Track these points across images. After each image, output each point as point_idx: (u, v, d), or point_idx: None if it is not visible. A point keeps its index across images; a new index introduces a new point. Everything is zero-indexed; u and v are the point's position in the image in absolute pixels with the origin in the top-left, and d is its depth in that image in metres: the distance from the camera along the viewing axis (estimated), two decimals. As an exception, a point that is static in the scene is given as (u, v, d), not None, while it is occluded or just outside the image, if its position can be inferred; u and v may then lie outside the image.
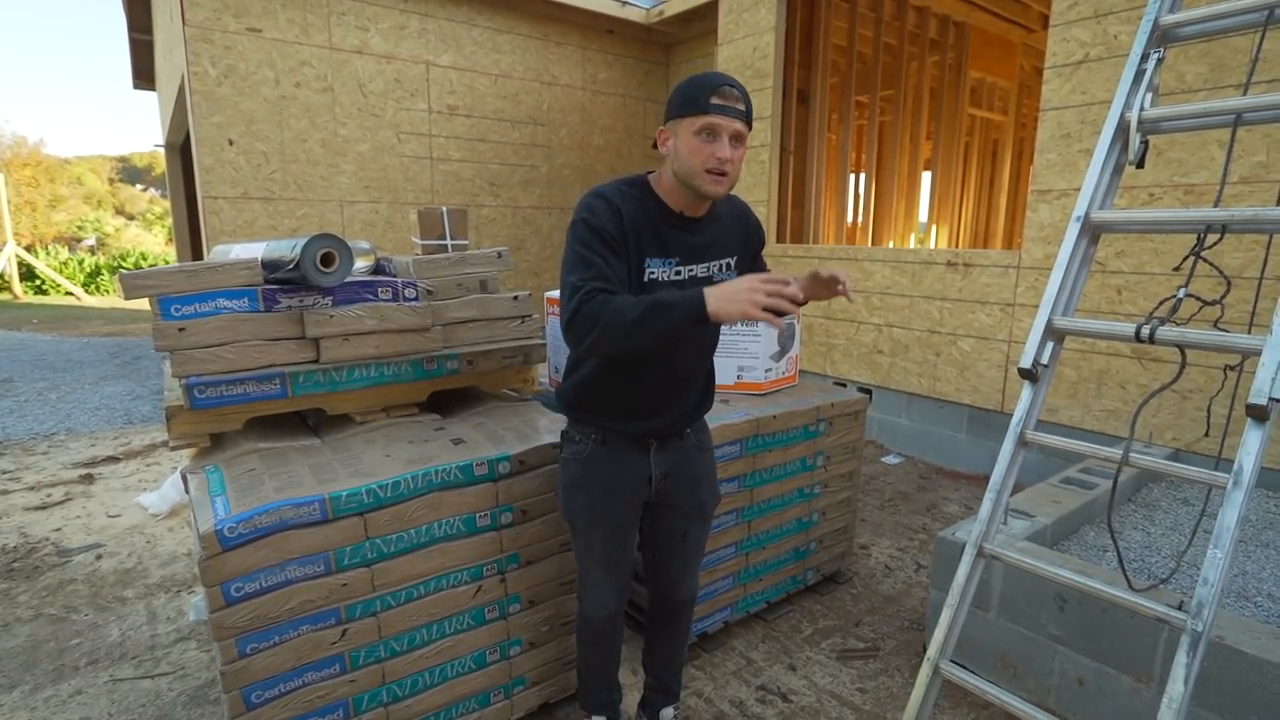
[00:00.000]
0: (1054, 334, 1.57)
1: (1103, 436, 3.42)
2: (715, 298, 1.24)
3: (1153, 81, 1.62)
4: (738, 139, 1.38)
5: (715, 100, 1.33)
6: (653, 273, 1.46)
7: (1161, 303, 1.54)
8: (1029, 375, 1.56)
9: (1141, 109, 1.59)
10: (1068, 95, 3.42)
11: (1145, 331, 1.39)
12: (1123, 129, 1.63)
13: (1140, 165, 1.62)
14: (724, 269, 1.57)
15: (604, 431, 1.56)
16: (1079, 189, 3.37)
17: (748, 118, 1.39)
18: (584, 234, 1.38)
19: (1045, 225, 3.58)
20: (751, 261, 1.65)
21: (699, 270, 1.52)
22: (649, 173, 1.50)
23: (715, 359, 2.59)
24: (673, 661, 1.82)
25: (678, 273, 1.48)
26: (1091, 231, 1.61)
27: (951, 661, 1.51)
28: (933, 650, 1.50)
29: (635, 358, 1.48)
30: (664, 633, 1.79)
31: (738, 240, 1.59)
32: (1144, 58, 1.64)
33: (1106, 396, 3.42)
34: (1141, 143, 1.60)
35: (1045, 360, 1.57)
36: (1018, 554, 1.52)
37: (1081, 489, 2.56)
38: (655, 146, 1.46)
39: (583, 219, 1.39)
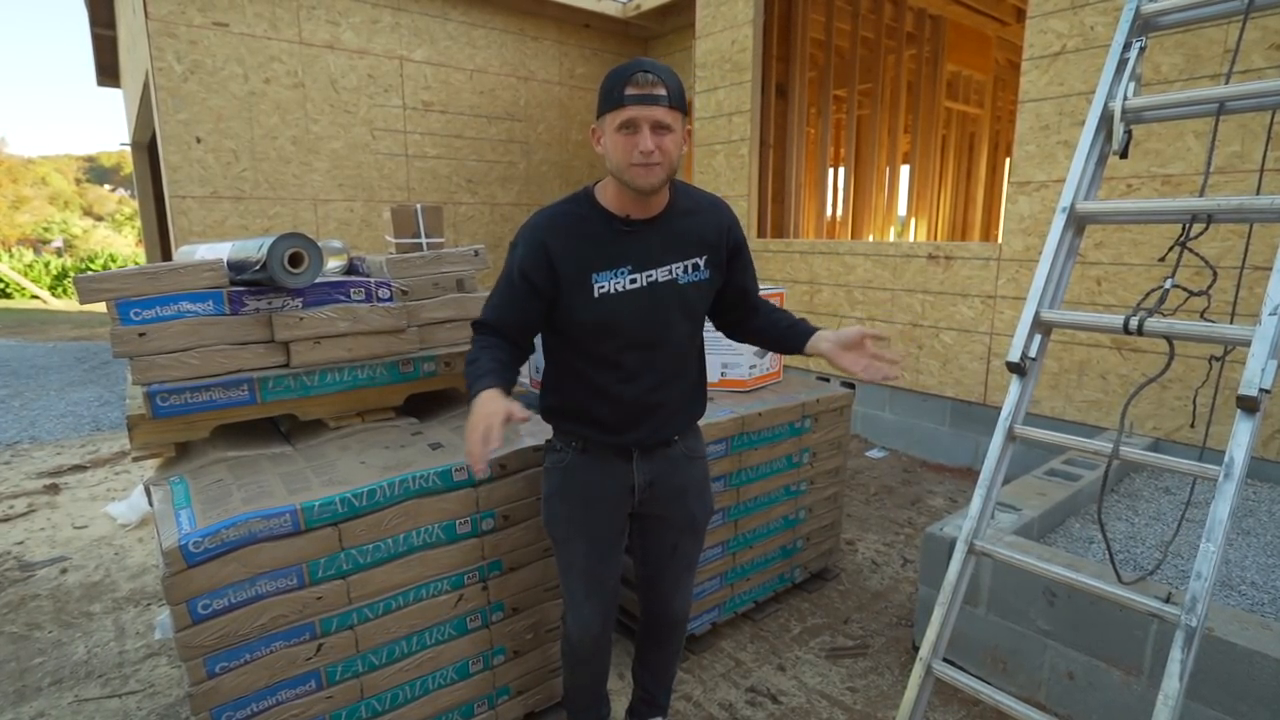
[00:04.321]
0: (1041, 326, 1.55)
1: (1084, 427, 3.44)
2: (473, 408, 1.31)
3: (1135, 71, 1.60)
4: (660, 128, 1.27)
5: (630, 91, 1.25)
6: (602, 286, 1.39)
7: (1148, 294, 1.52)
8: (1017, 369, 1.54)
9: (1125, 98, 1.57)
10: (1045, 87, 3.43)
11: (1134, 323, 1.38)
12: (1106, 119, 1.61)
13: (1124, 155, 1.60)
14: (690, 270, 1.46)
15: (585, 440, 1.50)
16: (1059, 180, 3.41)
17: (672, 101, 1.27)
18: (508, 265, 1.44)
19: (1025, 217, 3.59)
20: (729, 259, 1.54)
21: (659, 274, 1.42)
22: (596, 183, 1.44)
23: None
24: (662, 676, 1.78)
25: (633, 280, 1.40)
26: (1077, 223, 1.59)
27: (943, 660, 1.49)
28: (925, 650, 1.48)
29: (594, 374, 1.45)
30: (655, 650, 1.74)
31: (707, 239, 1.48)
32: (1126, 46, 1.63)
33: (1088, 387, 3.44)
34: (1125, 133, 1.58)
35: (1033, 353, 1.55)
36: (1007, 549, 1.50)
37: (1066, 480, 2.56)
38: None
39: (512, 247, 1.45)
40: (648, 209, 1.39)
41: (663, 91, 1.26)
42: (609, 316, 1.40)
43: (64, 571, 2.85)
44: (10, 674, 2.19)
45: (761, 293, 2.43)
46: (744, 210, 5.16)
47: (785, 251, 4.97)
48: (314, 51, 5.30)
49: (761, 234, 5.32)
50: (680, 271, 1.44)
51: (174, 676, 2.16)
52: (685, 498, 1.60)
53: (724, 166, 5.25)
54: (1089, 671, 1.81)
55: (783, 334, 1.60)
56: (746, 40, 4.95)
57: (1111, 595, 1.33)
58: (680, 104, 1.29)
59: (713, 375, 2.42)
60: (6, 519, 3.37)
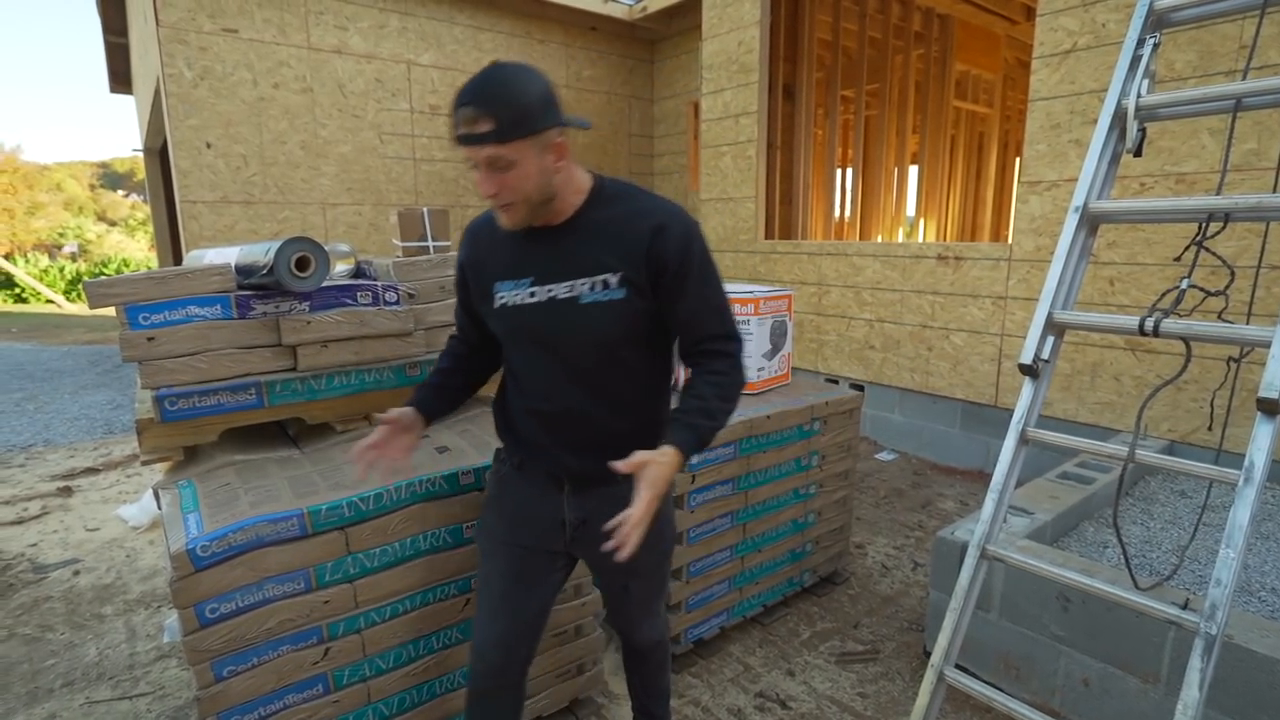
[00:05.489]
0: (1054, 328, 1.53)
1: (1098, 429, 3.40)
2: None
3: (1149, 68, 1.58)
4: (495, 165, 1.11)
5: (459, 130, 1.11)
6: (503, 298, 1.29)
7: (1164, 294, 1.50)
8: (1029, 371, 1.52)
9: (1139, 96, 1.55)
10: (1056, 85, 3.40)
11: (1149, 324, 1.35)
12: (1119, 117, 1.59)
13: (1138, 153, 1.58)
14: (598, 288, 1.23)
15: (519, 458, 1.38)
16: (1070, 180, 3.37)
17: (503, 134, 1.08)
18: None
19: (1036, 217, 3.55)
20: (658, 280, 1.23)
21: (560, 290, 1.24)
22: None
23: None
24: (653, 690, 1.68)
25: (532, 294, 1.26)
26: (1090, 222, 1.57)
27: (955, 666, 1.47)
28: (936, 656, 1.46)
29: (515, 387, 1.38)
30: (638, 668, 1.64)
31: (621, 253, 1.23)
32: (1139, 43, 1.60)
33: (1101, 389, 3.40)
34: (1139, 130, 1.56)
35: (1046, 355, 1.53)
36: (1020, 554, 1.48)
37: (1079, 484, 2.53)
38: None
39: None
40: (546, 217, 1.24)
41: (486, 128, 1.07)
42: (507, 330, 1.32)
43: (76, 574, 2.87)
44: (23, 675, 2.20)
45: (769, 295, 2.43)
46: (751, 212, 5.15)
47: (793, 253, 4.95)
48: (322, 56, 5.33)
49: (769, 235, 5.30)
50: (585, 289, 1.24)
51: (184, 679, 2.16)
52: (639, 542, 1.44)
53: (731, 168, 5.24)
54: (1105, 678, 1.78)
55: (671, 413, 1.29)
56: (753, 41, 4.94)
57: (1128, 602, 1.30)
58: (523, 129, 1.09)
59: (720, 378, 2.41)
60: (20, 521, 3.40)
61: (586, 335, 1.26)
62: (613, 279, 1.23)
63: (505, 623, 1.38)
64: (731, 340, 1.31)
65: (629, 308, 1.24)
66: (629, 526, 1.12)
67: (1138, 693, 1.72)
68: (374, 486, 1.54)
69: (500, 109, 1.08)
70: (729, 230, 5.34)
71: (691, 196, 7.09)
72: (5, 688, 2.14)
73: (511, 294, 1.29)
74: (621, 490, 1.22)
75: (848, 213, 7.12)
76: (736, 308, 2.29)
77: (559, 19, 6.47)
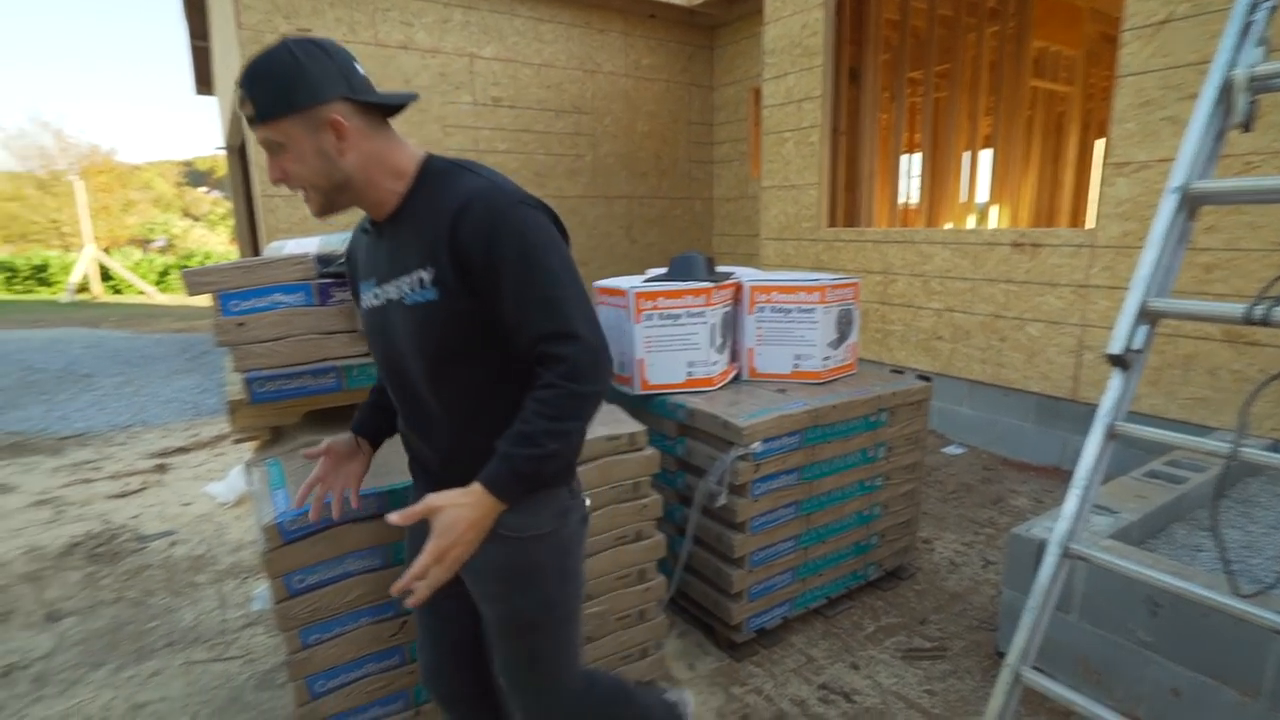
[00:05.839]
0: (1148, 316, 1.44)
1: (1189, 426, 3.19)
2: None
3: (1264, 34, 1.46)
4: (270, 148, 1.04)
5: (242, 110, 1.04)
6: (365, 300, 1.21)
7: (1273, 281, 1.39)
8: (1119, 362, 1.44)
9: (1251, 65, 1.43)
10: (1148, 59, 3.18)
11: (1258, 313, 1.26)
12: (1227, 89, 1.47)
13: (1248, 128, 1.46)
14: (416, 287, 1.07)
15: (413, 478, 1.32)
16: (1162, 160, 3.16)
17: (263, 115, 1.00)
18: None
19: (1124, 200, 3.34)
20: (471, 276, 1.03)
21: (392, 291, 1.11)
22: None
23: (769, 347, 2.46)
24: None
25: (376, 296, 1.16)
26: (1191, 204, 1.46)
27: (1032, 667, 1.41)
28: (1013, 656, 1.41)
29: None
30: None
31: (429, 247, 1.05)
32: (1253, 8, 1.48)
33: (1193, 383, 3.19)
34: (1250, 103, 1.45)
35: (1137, 345, 1.44)
36: (1107, 554, 1.41)
37: (1169, 483, 2.38)
38: None
39: None
40: (375, 211, 1.13)
41: (249, 110, 1.01)
42: (366, 338, 1.25)
43: (173, 544, 3.09)
44: (131, 635, 2.39)
45: (835, 283, 2.37)
46: (814, 199, 5.04)
47: (857, 241, 4.82)
48: (389, 52, 5.50)
49: (833, 223, 5.18)
50: (407, 289, 1.08)
51: (270, 645, 2.30)
52: (482, 583, 1.16)
53: (794, 154, 5.13)
54: (1197, 689, 1.68)
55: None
56: (817, 24, 4.81)
57: (1228, 608, 1.22)
58: (280, 107, 1.00)
59: (784, 367, 2.38)
60: (124, 495, 3.68)
61: (407, 342, 1.11)
62: (425, 276, 1.06)
63: (431, 653, 1.35)
64: (568, 340, 1.01)
65: (442, 311, 1.06)
66: (407, 580, 0.99)
67: (1235, 706, 1.62)
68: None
69: (258, 89, 1.00)
70: (791, 218, 5.25)
71: (752, 184, 6.99)
72: (116, 645, 2.33)
73: (368, 295, 1.19)
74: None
75: (914, 199, 6.88)
76: (802, 295, 2.25)
77: (619, 8, 6.47)
